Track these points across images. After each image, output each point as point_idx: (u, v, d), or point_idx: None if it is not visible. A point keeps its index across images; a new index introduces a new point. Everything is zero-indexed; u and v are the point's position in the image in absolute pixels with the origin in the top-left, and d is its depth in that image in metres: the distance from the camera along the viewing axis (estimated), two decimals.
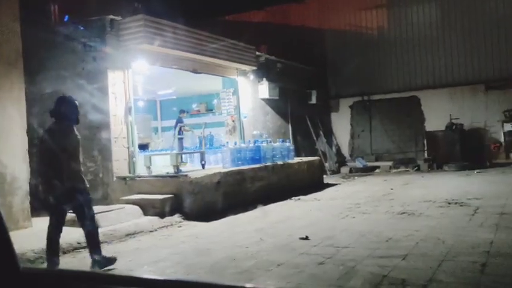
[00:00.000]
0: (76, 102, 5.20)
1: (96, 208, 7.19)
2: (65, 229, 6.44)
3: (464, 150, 14.18)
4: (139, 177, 8.32)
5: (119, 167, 8.35)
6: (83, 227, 5.00)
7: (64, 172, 4.83)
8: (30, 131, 6.97)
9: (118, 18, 8.52)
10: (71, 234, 6.06)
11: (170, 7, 12.19)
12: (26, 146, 6.80)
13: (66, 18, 8.54)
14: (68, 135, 4.96)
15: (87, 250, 5.18)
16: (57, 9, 9.21)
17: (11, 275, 1.05)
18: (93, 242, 4.96)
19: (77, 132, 5.07)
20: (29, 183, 6.91)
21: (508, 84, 14.45)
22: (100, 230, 6.30)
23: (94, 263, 4.83)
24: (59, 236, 4.95)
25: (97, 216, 6.61)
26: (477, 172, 12.67)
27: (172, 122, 13.76)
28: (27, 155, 6.80)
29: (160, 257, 5.34)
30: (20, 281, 1.06)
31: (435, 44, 15.48)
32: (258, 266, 4.68)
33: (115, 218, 6.83)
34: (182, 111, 13.62)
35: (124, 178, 8.29)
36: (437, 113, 15.20)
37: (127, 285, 1.06)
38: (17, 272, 1.06)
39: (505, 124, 14.01)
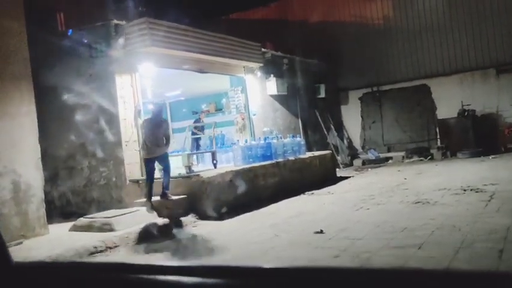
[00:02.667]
0: (162, 105, 8.50)
1: (110, 212, 7.29)
2: (82, 234, 6.53)
3: (478, 137, 14.01)
4: None
5: (131, 170, 8.40)
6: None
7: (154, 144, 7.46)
8: (42, 139, 7.04)
9: (122, 22, 8.56)
10: (88, 239, 6.13)
11: (174, 8, 12.23)
12: (39, 154, 6.87)
13: (70, 32, 8.60)
14: (157, 122, 7.67)
15: (103, 254, 5.23)
16: (63, 17, 9.30)
17: (3, 268, 1.06)
18: (163, 182, 7.61)
19: (163, 125, 7.76)
20: (44, 190, 7.00)
21: None
22: (115, 234, 6.39)
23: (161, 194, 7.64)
24: (151, 183, 7.50)
25: (111, 221, 6.71)
26: (492, 158, 12.51)
27: (183, 123, 13.81)
28: (40, 163, 6.88)
29: (176, 257, 5.36)
30: (13, 274, 1.07)
31: (443, 30, 15.29)
32: (274, 262, 4.67)
33: (130, 221, 6.87)
34: (194, 112, 13.67)
35: (137, 181, 8.33)
36: (448, 100, 15.02)
37: (121, 272, 1.07)
38: (10, 266, 1.07)
39: None
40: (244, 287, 0.92)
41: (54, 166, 8.64)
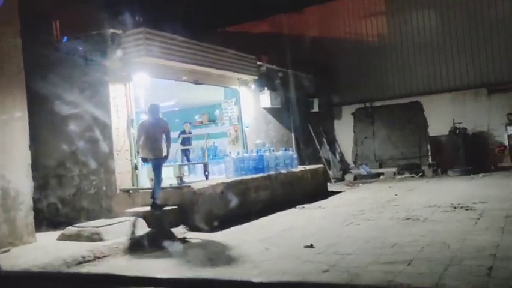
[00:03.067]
0: (158, 105, 8.19)
1: (100, 222, 7.23)
2: (70, 244, 6.47)
3: (468, 155, 14.12)
4: (143, 189, 8.31)
5: (122, 179, 8.36)
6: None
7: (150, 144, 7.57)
8: (33, 146, 6.99)
9: (119, 31, 8.59)
10: (76, 249, 6.07)
11: (170, 19, 12.29)
12: (29, 161, 6.82)
13: (65, 39, 8.61)
14: (154, 124, 7.71)
15: (91, 264, 5.18)
16: (59, 24, 9.30)
17: None
18: (153, 192, 7.59)
19: (161, 123, 7.84)
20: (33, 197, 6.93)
21: (510, 87, 14.43)
22: (104, 244, 6.33)
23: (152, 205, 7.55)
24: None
25: (100, 230, 6.65)
26: (481, 176, 12.60)
27: (175, 134, 13.79)
28: (30, 170, 6.82)
29: (164, 268, 5.32)
30: (1, 283, 1.06)
31: (436, 49, 15.49)
32: (263, 275, 4.64)
33: (120, 231, 6.82)
34: (185, 123, 13.63)
35: (128, 191, 8.29)
36: (440, 118, 15.16)
37: (109, 284, 1.06)
38: None
39: (508, 127, 13.94)
40: None
41: (44, 174, 8.57)
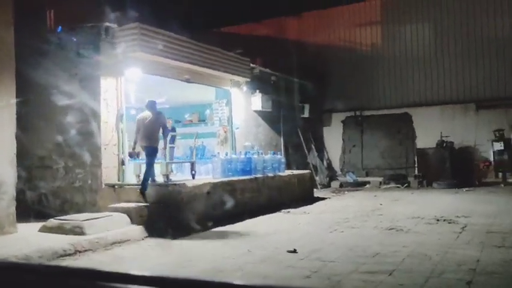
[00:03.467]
0: (155, 100, 8.57)
1: (83, 215, 7.17)
2: (51, 236, 6.40)
3: (454, 168, 14.27)
4: (128, 185, 8.26)
5: (108, 174, 8.29)
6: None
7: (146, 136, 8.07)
8: (19, 136, 6.91)
9: (114, 25, 8.53)
10: (58, 241, 6.01)
11: (166, 17, 12.26)
12: (14, 151, 6.73)
13: (59, 29, 8.53)
14: (152, 117, 8.19)
15: (71, 257, 5.13)
16: (53, 14, 9.21)
17: None
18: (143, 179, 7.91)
19: (159, 117, 8.33)
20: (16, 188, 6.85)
21: (498, 104, 14.64)
22: (86, 238, 6.28)
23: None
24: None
25: (83, 224, 6.59)
26: (466, 190, 12.74)
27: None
28: (15, 160, 6.74)
29: (144, 266, 5.29)
30: None
31: (428, 62, 15.66)
32: (244, 278, 4.64)
33: (102, 226, 6.76)
34: (177, 121, 13.48)
35: (113, 186, 8.23)
36: (428, 131, 15.31)
37: (90, 279, 1.05)
38: None
39: (494, 143, 14.12)
40: None
41: (29, 164, 8.47)
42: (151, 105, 8.41)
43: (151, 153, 8.14)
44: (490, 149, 14.39)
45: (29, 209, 8.27)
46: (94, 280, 1.07)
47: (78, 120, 8.26)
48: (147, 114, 8.33)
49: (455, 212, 8.51)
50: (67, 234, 6.43)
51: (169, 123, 12.98)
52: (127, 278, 1.05)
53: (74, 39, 8.21)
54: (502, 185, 13.56)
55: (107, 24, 8.43)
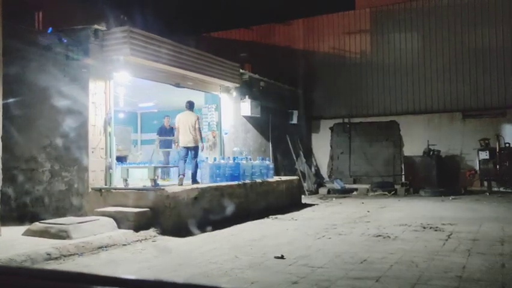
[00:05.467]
0: (193, 101, 9.88)
1: (69, 219, 7.09)
2: (36, 239, 6.31)
3: (440, 176, 14.42)
4: (115, 189, 8.19)
5: (95, 178, 8.22)
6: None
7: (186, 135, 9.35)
8: (4, 137, 6.82)
9: (103, 28, 8.49)
10: (42, 245, 5.92)
11: (156, 21, 12.22)
12: (0, 153, 6.64)
13: (49, 30, 8.47)
14: (189, 116, 9.54)
15: (56, 261, 5.05)
16: (42, 16, 9.15)
17: None
18: (192, 177, 9.32)
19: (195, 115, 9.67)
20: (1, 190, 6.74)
21: (484, 114, 14.86)
22: (72, 242, 6.21)
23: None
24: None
25: (69, 228, 6.51)
26: (452, 198, 12.86)
27: (152, 136, 13.64)
28: (0, 162, 6.64)
29: (130, 271, 5.23)
30: None
31: (416, 71, 15.85)
32: (232, 283, 4.61)
33: (88, 230, 6.69)
34: (165, 116, 13.05)
35: (100, 189, 8.15)
36: (415, 139, 15.47)
37: (75, 282, 1.04)
38: None
39: (480, 152, 14.30)
40: None
41: (14, 166, 8.36)
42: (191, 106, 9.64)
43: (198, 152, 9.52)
44: (475, 158, 14.57)
45: (14, 212, 8.16)
46: (82, 284, 1.05)
47: (65, 123, 8.18)
48: (189, 114, 9.43)
49: (442, 220, 8.58)
50: (52, 238, 6.35)
51: (167, 121, 12.72)
52: (110, 281, 1.04)
53: (64, 40, 8.13)
54: (488, 193, 13.72)
55: (97, 26, 8.39)
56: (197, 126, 9.37)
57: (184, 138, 9.29)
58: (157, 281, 1.02)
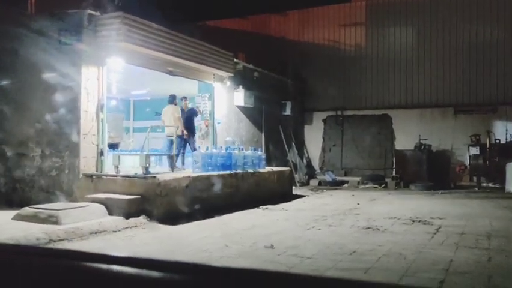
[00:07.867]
0: (175, 94, 11.12)
1: (59, 205, 7.06)
2: (25, 224, 6.29)
3: (431, 171, 14.54)
4: (106, 176, 8.16)
5: (86, 164, 8.18)
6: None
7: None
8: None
9: (97, 13, 8.40)
10: (32, 230, 5.90)
11: (150, 8, 12.10)
12: None
13: (42, 14, 8.35)
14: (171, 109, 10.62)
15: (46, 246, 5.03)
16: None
17: None
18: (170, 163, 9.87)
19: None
20: None
21: (476, 110, 14.97)
22: (62, 227, 6.19)
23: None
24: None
25: (59, 213, 6.49)
26: (441, 193, 12.97)
27: (145, 123, 13.59)
28: None
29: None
30: None
31: (410, 65, 15.89)
32: None
33: (79, 216, 6.67)
34: (158, 114, 12.34)
35: (91, 176, 8.12)
36: (407, 133, 15.55)
37: (64, 258, 1.04)
38: None
39: (470, 148, 14.41)
40: (188, 283, 0.91)
41: (3, 151, 8.29)
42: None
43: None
44: (466, 153, 14.69)
45: (3, 196, 8.12)
46: (76, 260, 1.05)
47: (57, 108, 8.12)
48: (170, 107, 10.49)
49: (431, 214, 8.67)
50: (42, 223, 6.33)
51: (185, 104, 11.54)
52: (99, 257, 1.04)
53: (56, 25, 8.03)
54: (476, 189, 13.85)
55: (90, 11, 8.30)
56: (177, 115, 10.54)
57: (169, 129, 10.40)
58: (146, 258, 1.02)
